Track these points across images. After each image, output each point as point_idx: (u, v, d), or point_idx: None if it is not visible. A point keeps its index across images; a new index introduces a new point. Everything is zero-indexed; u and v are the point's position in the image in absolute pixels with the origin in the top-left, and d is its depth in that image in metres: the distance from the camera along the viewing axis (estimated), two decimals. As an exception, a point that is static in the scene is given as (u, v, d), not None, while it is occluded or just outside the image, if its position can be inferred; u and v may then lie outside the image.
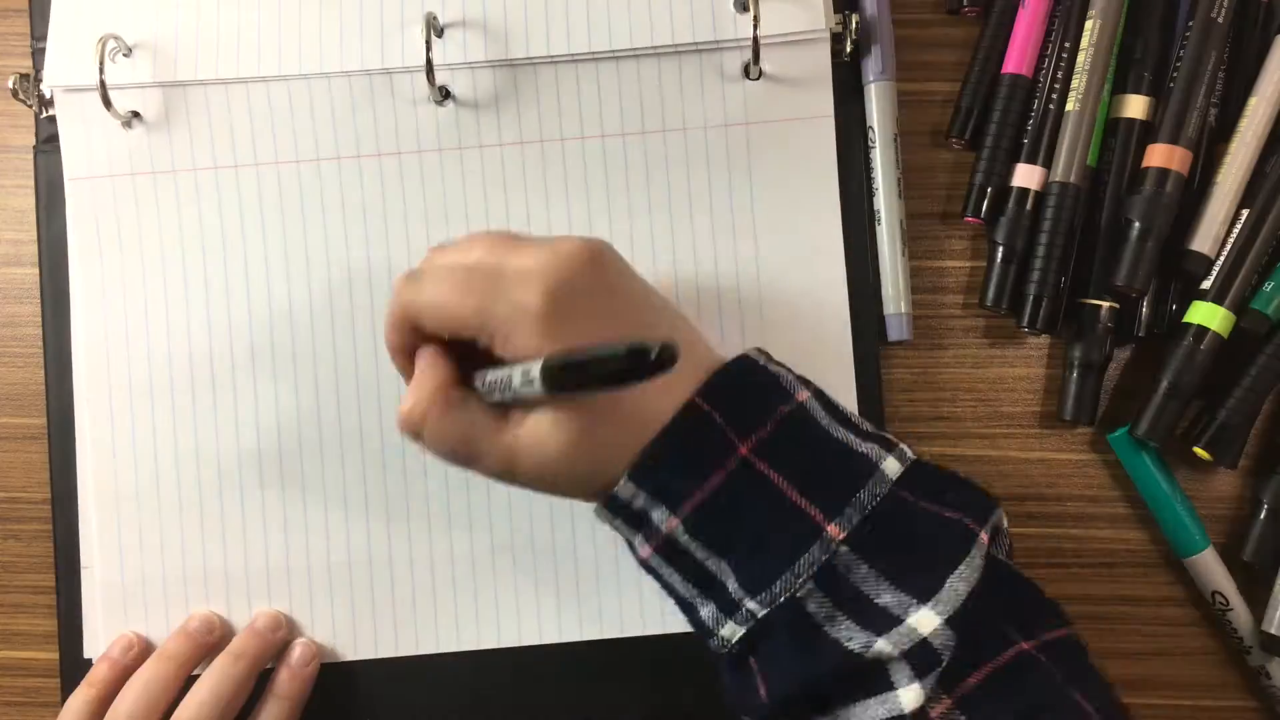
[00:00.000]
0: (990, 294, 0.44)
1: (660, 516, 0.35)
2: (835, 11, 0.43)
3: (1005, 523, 0.37)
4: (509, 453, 0.35)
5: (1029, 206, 0.43)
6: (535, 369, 0.31)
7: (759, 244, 0.44)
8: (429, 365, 0.36)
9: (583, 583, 0.44)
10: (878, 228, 0.44)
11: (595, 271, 0.35)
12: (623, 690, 0.44)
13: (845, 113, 0.44)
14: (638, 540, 0.36)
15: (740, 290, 0.44)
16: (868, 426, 0.37)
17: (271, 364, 0.44)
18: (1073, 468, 0.45)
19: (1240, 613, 0.43)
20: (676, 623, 0.43)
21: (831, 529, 0.34)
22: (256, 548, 0.44)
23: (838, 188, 0.44)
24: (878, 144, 0.44)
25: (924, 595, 0.33)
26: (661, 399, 0.34)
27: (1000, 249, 0.44)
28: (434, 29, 0.43)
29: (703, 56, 0.44)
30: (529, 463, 0.35)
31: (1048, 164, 0.44)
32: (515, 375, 0.33)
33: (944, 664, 0.33)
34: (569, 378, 0.31)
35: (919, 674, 0.33)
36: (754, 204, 0.44)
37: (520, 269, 0.34)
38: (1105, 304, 0.43)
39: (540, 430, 0.34)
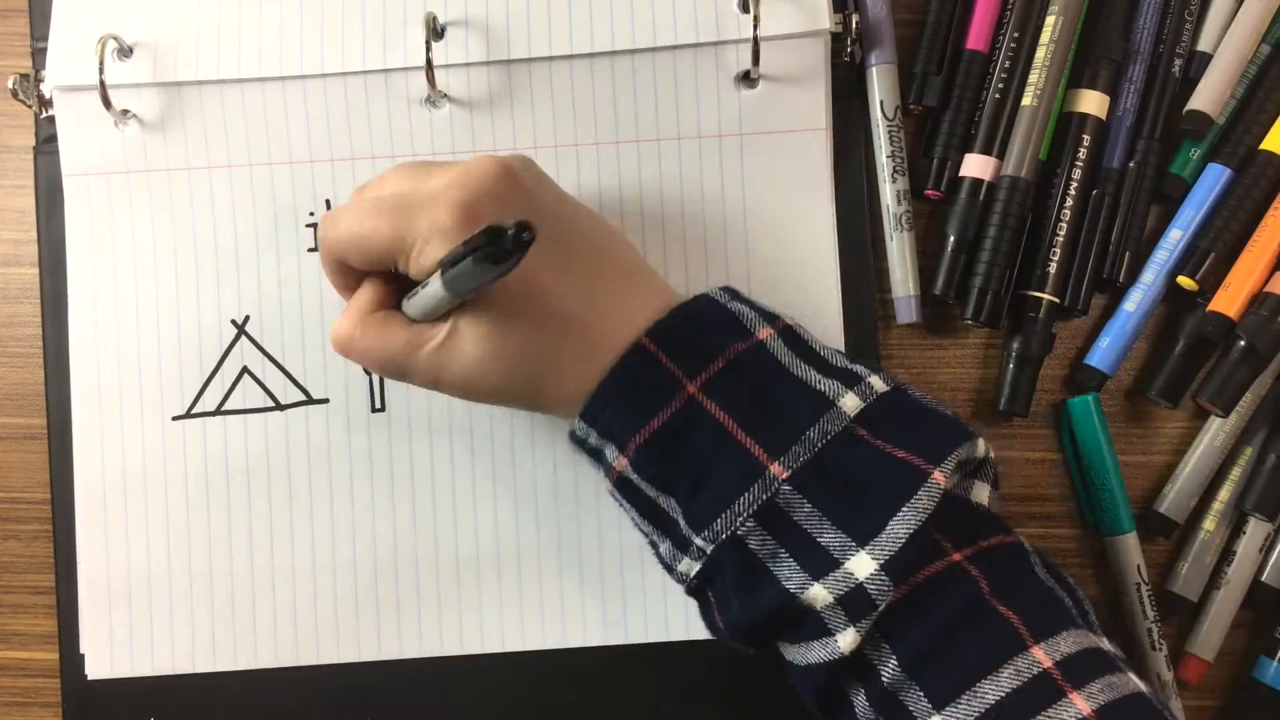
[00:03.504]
0: (939, 283, 0.44)
1: (611, 455, 0.36)
2: (835, 11, 0.43)
3: (987, 452, 0.36)
4: (434, 362, 0.36)
5: (980, 197, 0.43)
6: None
7: (751, 254, 0.44)
8: (362, 292, 0.38)
9: (586, 588, 0.44)
10: (883, 212, 0.44)
11: (508, 185, 0.35)
12: (621, 697, 0.44)
13: (846, 111, 0.44)
14: (600, 474, 0.37)
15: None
16: (840, 361, 0.37)
17: (265, 362, 0.44)
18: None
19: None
20: (679, 630, 0.43)
21: (775, 468, 0.34)
22: (247, 547, 0.44)
23: (832, 197, 0.44)
24: (884, 124, 0.44)
25: (863, 538, 0.33)
26: (612, 316, 0.36)
27: (951, 240, 0.44)
28: (434, 30, 0.43)
29: (700, 60, 0.44)
30: (454, 370, 0.36)
31: (1001, 154, 0.44)
32: (426, 284, 0.34)
33: (879, 608, 0.33)
34: (449, 265, 0.32)
35: (854, 618, 0.33)
36: (746, 212, 0.44)
37: (431, 190, 0.35)
38: (1045, 296, 0.43)
39: (463, 338, 0.35)
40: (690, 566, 0.36)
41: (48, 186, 0.45)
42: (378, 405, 0.44)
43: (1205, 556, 0.43)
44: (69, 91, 0.44)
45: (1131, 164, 0.44)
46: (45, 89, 0.44)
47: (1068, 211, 0.43)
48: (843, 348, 0.44)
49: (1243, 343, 0.41)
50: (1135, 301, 0.44)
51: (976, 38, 0.44)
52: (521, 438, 0.44)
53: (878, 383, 0.36)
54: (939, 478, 0.34)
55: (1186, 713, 0.44)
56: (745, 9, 0.43)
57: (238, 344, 0.44)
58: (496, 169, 0.35)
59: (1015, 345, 0.44)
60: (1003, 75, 0.44)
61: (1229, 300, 0.42)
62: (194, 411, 0.44)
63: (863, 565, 0.33)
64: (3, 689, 0.45)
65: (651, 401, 0.35)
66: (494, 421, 0.44)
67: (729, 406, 0.35)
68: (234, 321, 0.44)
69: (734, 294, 0.38)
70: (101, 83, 0.42)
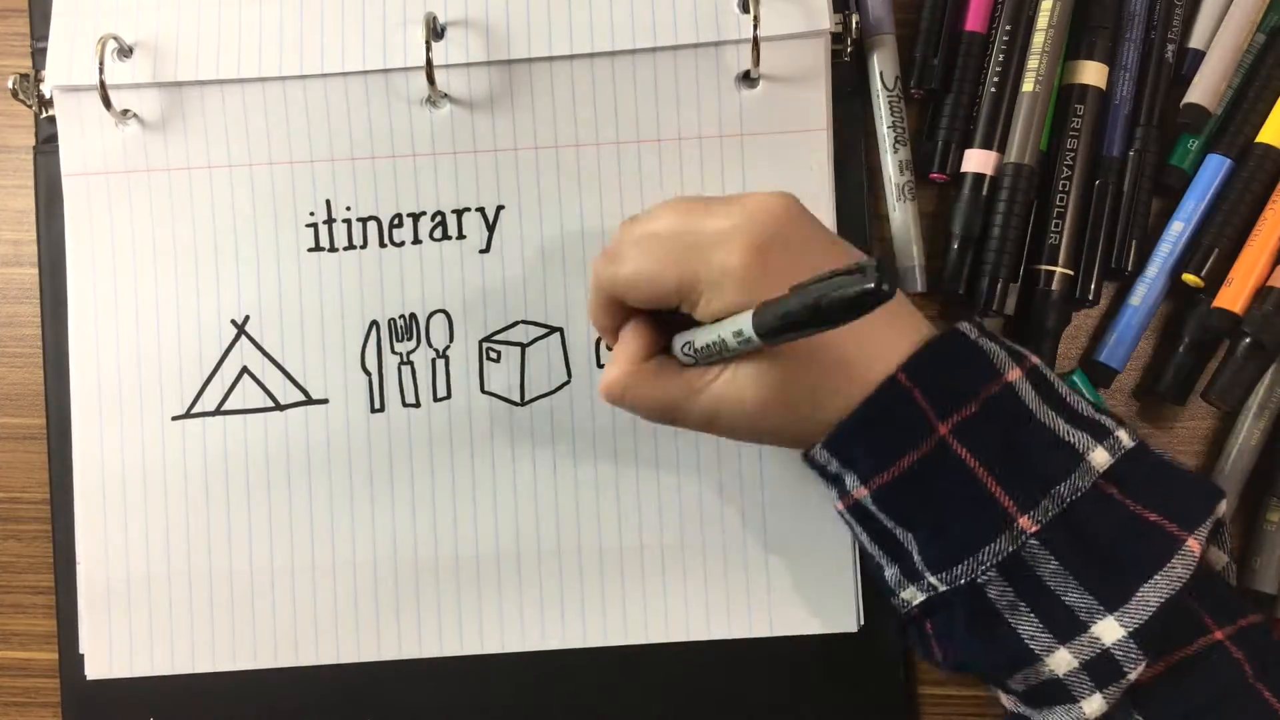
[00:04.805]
0: (948, 277, 0.44)
1: (852, 482, 0.35)
2: (835, 11, 0.43)
3: (1225, 513, 0.36)
4: (709, 409, 0.36)
5: (984, 191, 0.44)
6: (746, 324, 0.32)
7: None
8: (631, 337, 0.37)
9: (587, 590, 0.44)
10: (885, 183, 0.45)
11: (790, 224, 0.35)
12: (623, 698, 0.44)
13: (846, 111, 0.44)
14: (832, 495, 0.37)
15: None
16: (1085, 408, 0.36)
17: (265, 362, 0.44)
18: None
19: None
20: (679, 631, 0.43)
21: (1023, 520, 0.33)
22: (246, 547, 0.44)
23: (832, 197, 0.44)
24: (884, 94, 0.44)
25: (1111, 603, 0.33)
26: (872, 347, 0.35)
27: (957, 237, 0.44)
28: (434, 30, 0.43)
29: (700, 60, 0.44)
30: (728, 416, 0.35)
31: (1001, 148, 0.44)
32: (726, 336, 0.33)
33: (1127, 677, 0.32)
34: (786, 324, 0.31)
35: (1100, 684, 0.33)
36: None
37: (717, 231, 0.34)
38: (1058, 270, 0.43)
39: (738, 384, 0.35)
40: (915, 595, 0.35)
41: (48, 186, 0.45)
42: (377, 405, 0.44)
43: (1277, 548, 0.43)
44: (69, 91, 0.44)
45: (1131, 152, 0.44)
46: (45, 89, 0.44)
47: (1070, 189, 0.43)
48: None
49: (1248, 339, 0.41)
50: (1140, 296, 0.44)
51: (975, 20, 0.44)
52: (522, 438, 0.44)
53: (1125, 437, 0.35)
54: (1193, 545, 0.33)
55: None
56: (745, 9, 0.43)
57: (237, 344, 0.44)
58: (782, 208, 0.35)
59: (1032, 322, 0.44)
60: (1000, 60, 0.44)
61: (1233, 296, 0.42)
62: (193, 411, 0.44)
63: (1110, 631, 0.33)
64: (3, 689, 0.45)
65: (901, 440, 0.34)
66: (493, 422, 0.44)
67: (978, 452, 0.34)
68: (234, 321, 0.44)
69: (982, 329, 0.37)
70: (101, 83, 0.43)
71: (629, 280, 0.36)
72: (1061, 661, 0.33)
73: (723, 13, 0.43)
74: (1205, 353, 0.43)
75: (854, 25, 0.44)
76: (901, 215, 0.44)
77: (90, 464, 0.44)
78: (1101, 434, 0.35)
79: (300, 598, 0.44)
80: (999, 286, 0.43)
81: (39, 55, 0.45)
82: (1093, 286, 0.43)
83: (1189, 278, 0.43)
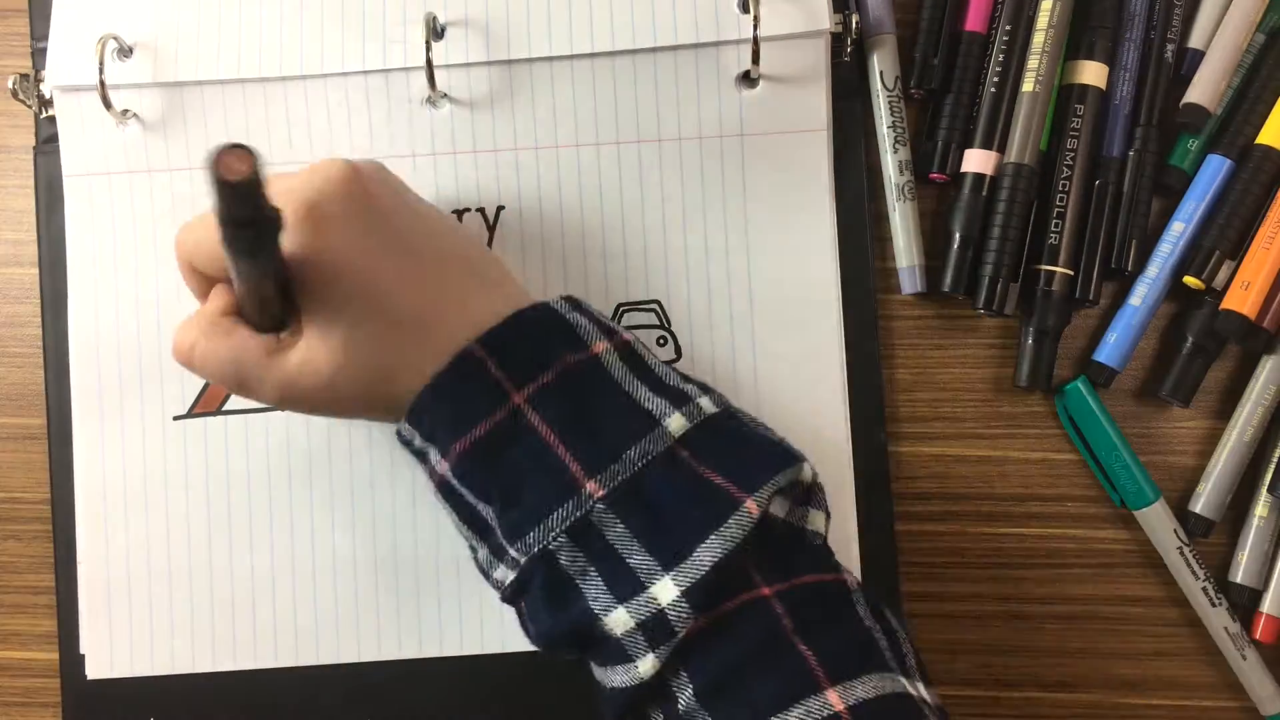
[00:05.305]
0: (948, 280, 0.44)
1: (435, 458, 0.36)
2: (835, 11, 0.43)
3: (814, 477, 0.36)
4: (285, 378, 0.35)
5: (984, 191, 0.44)
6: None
7: (751, 254, 0.44)
8: (215, 296, 0.37)
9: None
10: (885, 183, 0.45)
11: (353, 186, 0.35)
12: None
13: (846, 111, 0.44)
14: (424, 474, 0.37)
15: (731, 300, 0.44)
16: (674, 379, 0.36)
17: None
18: (1074, 468, 0.45)
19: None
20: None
21: (591, 485, 0.34)
22: (247, 547, 0.44)
23: (832, 197, 0.44)
24: (884, 94, 0.45)
25: (669, 564, 0.33)
26: (455, 318, 0.35)
27: (957, 237, 0.44)
28: (434, 30, 0.43)
29: (700, 60, 0.44)
30: (305, 385, 0.35)
31: (1001, 148, 0.44)
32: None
33: (678, 635, 0.33)
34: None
35: (653, 644, 0.33)
36: (748, 214, 0.44)
37: (279, 192, 0.33)
38: (1059, 270, 0.43)
39: (313, 351, 0.35)
40: (505, 575, 0.35)
41: (48, 186, 0.45)
42: (378, 405, 0.44)
43: (1264, 543, 0.43)
44: (69, 91, 0.44)
45: (1131, 152, 0.44)
46: (45, 89, 0.44)
47: (1070, 189, 0.43)
48: (842, 350, 0.44)
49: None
50: (1141, 296, 0.44)
51: (975, 20, 0.44)
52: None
53: (707, 404, 0.36)
54: (751, 507, 0.34)
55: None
56: (745, 9, 0.43)
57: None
58: (344, 171, 0.35)
59: (1033, 321, 0.44)
60: (1000, 60, 0.44)
61: (1243, 299, 0.42)
62: (195, 411, 0.44)
63: (666, 591, 0.33)
64: (3, 689, 0.45)
65: (476, 409, 0.35)
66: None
67: (553, 419, 0.34)
68: None
69: (576, 304, 0.37)
70: (101, 83, 0.43)
71: (191, 243, 0.36)
72: (619, 622, 0.33)
73: (723, 13, 0.43)
74: (1210, 353, 0.44)
75: (854, 25, 0.44)
76: (901, 215, 0.44)
77: (90, 464, 0.44)
78: (681, 401, 0.35)
79: (300, 598, 0.44)
80: (999, 286, 0.43)
81: (39, 55, 0.45)
82: (1093, 286, 0.44)
83: (1190, 280, 0.43)
